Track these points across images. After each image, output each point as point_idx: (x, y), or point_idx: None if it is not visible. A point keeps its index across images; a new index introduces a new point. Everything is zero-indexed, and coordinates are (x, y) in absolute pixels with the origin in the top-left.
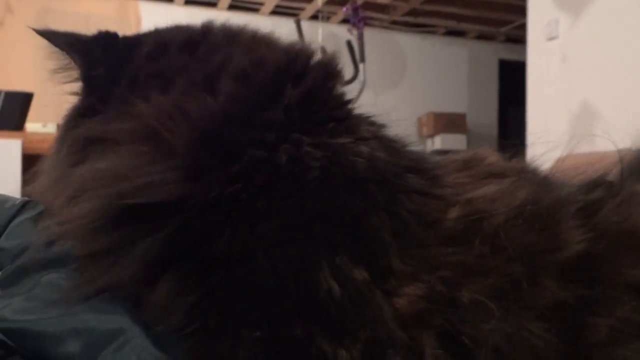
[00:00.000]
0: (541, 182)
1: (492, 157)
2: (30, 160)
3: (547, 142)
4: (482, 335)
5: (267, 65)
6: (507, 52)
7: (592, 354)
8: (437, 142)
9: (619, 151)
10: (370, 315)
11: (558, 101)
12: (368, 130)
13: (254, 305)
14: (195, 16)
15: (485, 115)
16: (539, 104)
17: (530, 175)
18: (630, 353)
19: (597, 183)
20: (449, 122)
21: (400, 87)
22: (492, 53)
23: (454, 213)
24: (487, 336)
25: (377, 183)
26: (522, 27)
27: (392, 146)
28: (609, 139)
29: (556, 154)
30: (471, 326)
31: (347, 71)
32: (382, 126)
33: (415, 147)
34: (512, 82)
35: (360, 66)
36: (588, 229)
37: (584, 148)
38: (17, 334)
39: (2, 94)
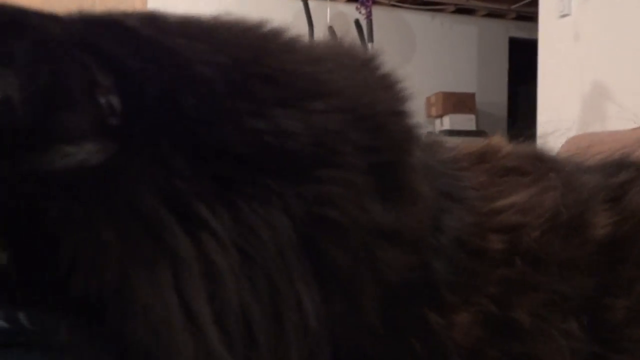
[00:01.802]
0: (566, 180)
1: (506, 147)
2: None
3: (559, 122)
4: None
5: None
6: (518, 30)
7: (610, 337)
8: (446, 122)
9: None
10: None
11: (570, 80)
12: None
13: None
14: (200, 0)
15: (495, 94)
16: (550, 83)
17: (552, 172)
18: None
19: (622, 165)
20: (458, 102)
21: (408, 67)
22: (502, 31)
23: (494, 240)
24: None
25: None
26: (533, 4)
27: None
28: (625, 119)
29: (568, 134)
30: (540, 349)
31: None
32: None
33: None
34: (522, 61)
35: (369, 46)
36: (615, 212)
37: (596, 128)
38: None
39: None
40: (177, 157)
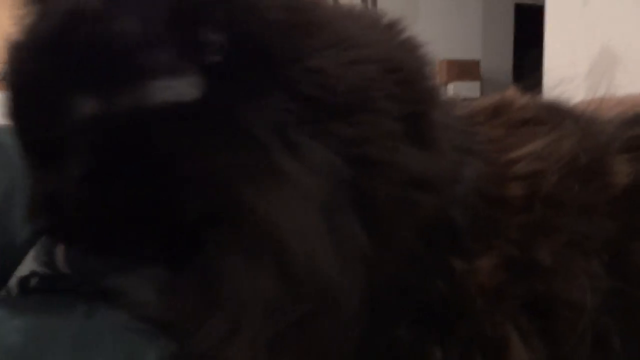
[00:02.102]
0: (583, 128)
1: (521, 99)
2: None
3: (565, 89)
4: (580, 299)
5: None
6: None
7: (630, 275)
8: (450, 90)
9: None
10: (467, 310)
11: (578, 47)
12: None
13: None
14: None
15: (500, 62)
16: (558, 50)
17: (568, 120)
18: None
19: (637, 119)
20: (462, 70)
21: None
22: None
23: (513, 187)
24: (585, 299)
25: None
26: None
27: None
28: (635, 84)
29: (575, 99)
30: (561, 286)
31: None
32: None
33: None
34: (528, 27)
35: None
36: (634, 161)
37: (604, 94)
38: None
39: None
40: (270, 92)
